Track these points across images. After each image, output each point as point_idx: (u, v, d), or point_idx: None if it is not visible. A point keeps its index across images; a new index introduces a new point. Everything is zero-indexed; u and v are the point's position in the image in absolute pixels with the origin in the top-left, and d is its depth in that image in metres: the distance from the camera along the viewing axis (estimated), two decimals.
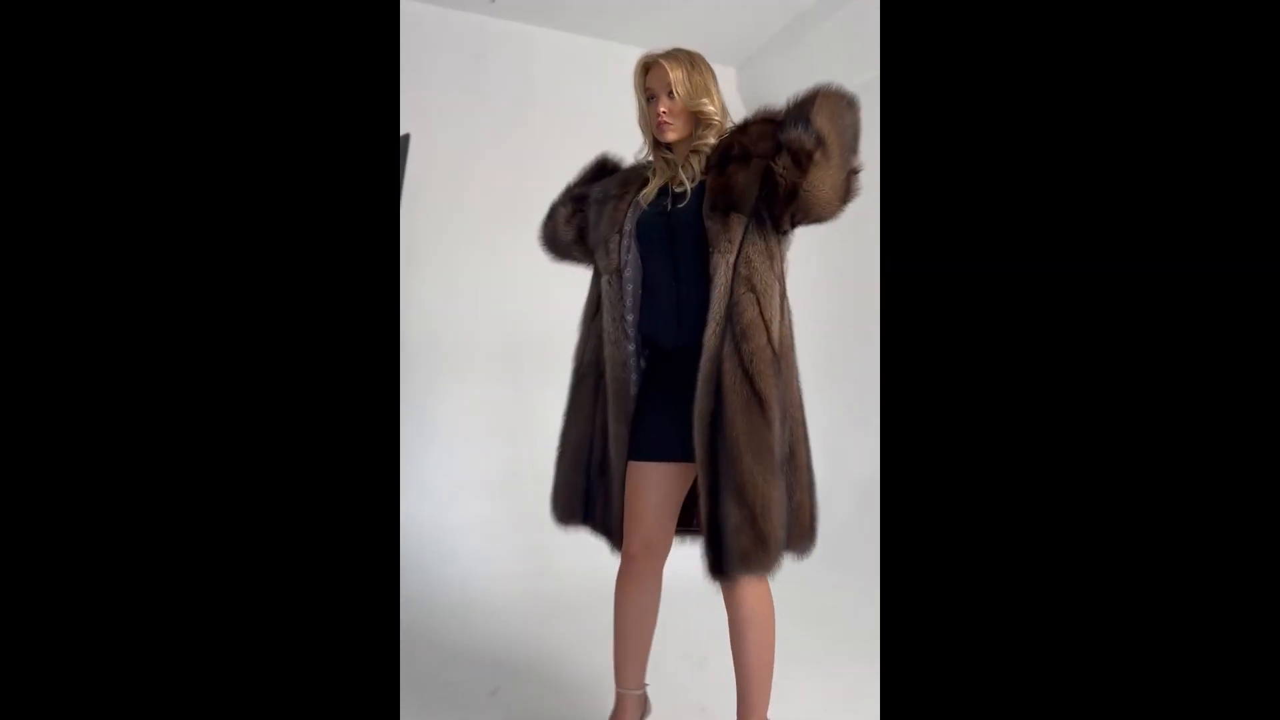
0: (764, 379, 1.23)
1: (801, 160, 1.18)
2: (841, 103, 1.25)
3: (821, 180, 1.19)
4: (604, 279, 1.37)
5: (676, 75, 1.32)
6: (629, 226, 1.35)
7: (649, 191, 1.37)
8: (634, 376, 1.35)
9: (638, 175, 1.43)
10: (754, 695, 1.32)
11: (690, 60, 1.35)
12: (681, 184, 1.33)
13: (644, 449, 1.34)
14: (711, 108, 1.34)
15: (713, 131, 1.34)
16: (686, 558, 1.37)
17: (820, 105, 1.21)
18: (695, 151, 1.34)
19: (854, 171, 1.26)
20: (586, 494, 1.40)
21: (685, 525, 1.42)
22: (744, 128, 1.30)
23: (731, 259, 1.25)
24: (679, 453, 1.30)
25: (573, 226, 1.47)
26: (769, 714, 1.35)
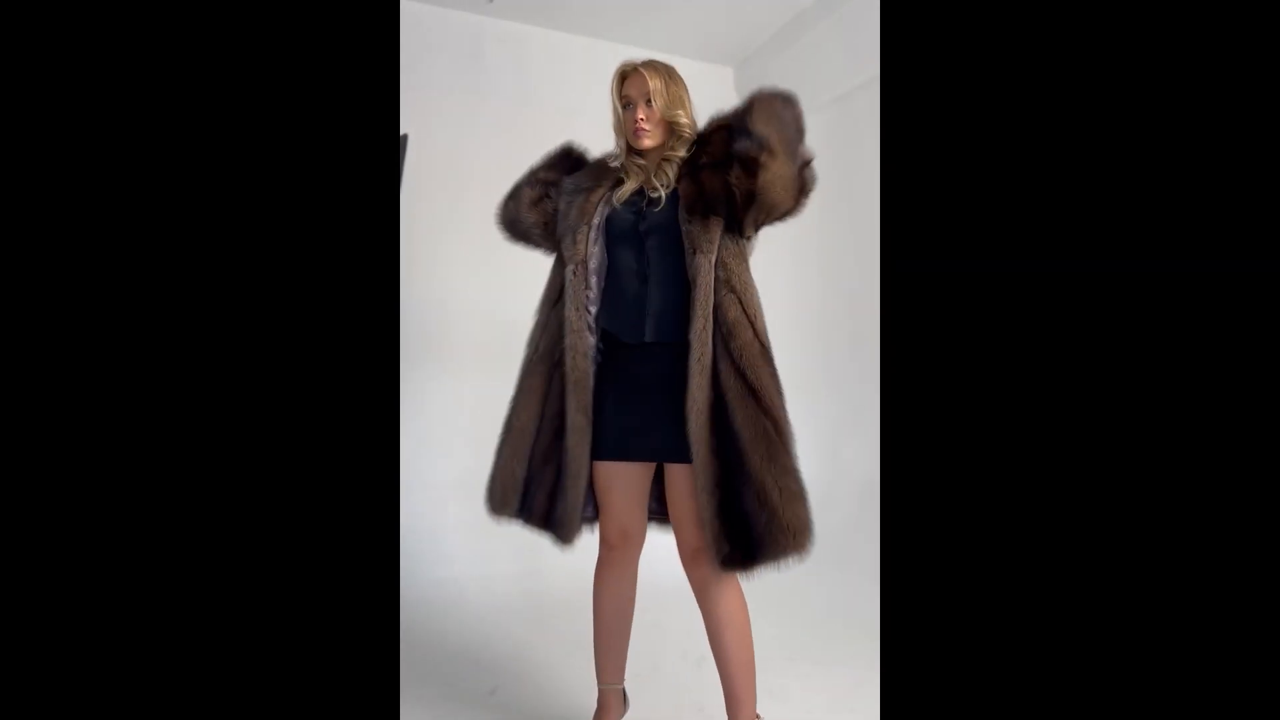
0: (755, 371, 1.28)
1: (751, 167, 1.24)
2: (777, 103, 1.29)
3: (772, 181, 1.24)
4: (568, 268, 1.39)
5: (655, 85, 1.37)
6: (598, 220, 1.39)
7: (624, 193, 1.40)
8: (592, 368, 1.37)
9: (610, 172, 1.45)
10: (742, 691, 1.35)
11: (667, 72, 1.40)
12: (656, 189, 1.37)
13: (615, 449, 1.37)
14: (685, 120, 1.39)
15: (683, 144, 1.39)
16: None
17: (758, 111, 1.26)
18: (666, 160, 1.39)
19: (805, 164, 1.31)
20: (525, 484, 1.38)
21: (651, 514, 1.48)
22: (707, 138, 1.36)
23: (712, 259, 1.30)
24: (647, 453, 1.36)
25: (538, 211, 1.47)
26: (757, 709, 1.39)
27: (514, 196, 1.51)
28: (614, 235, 1.39)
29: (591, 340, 1.37)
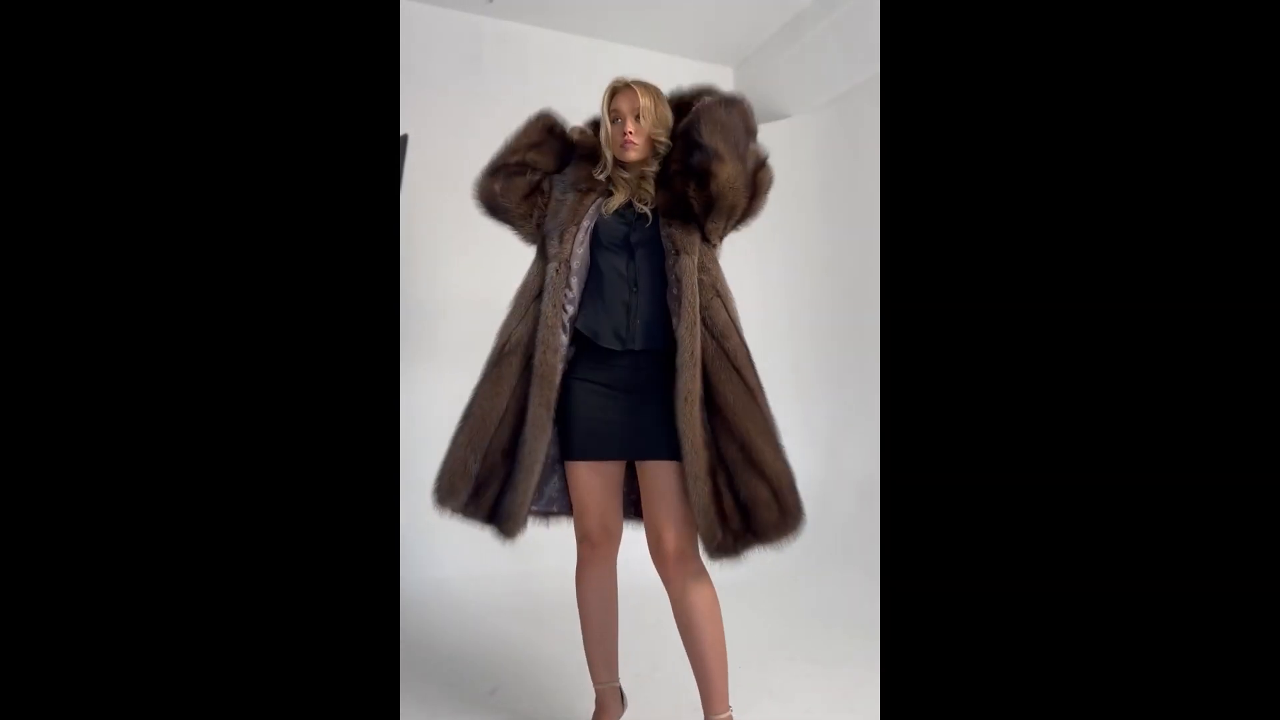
0: (748, 372, 1.34)
1: (703, 179, 1.31)
2: (719, 109, 1.34)
3: (724, 186, 1.30)
4: (550, 265, 1.40)
5: (645, 103, 1.42)
6: (587, 223, 1.42)
7: (613, 204, 1.43)
8: (561, 366, 1.38)
9: (600, 183, 1.46)
10: (720, 684, 1.36)
11: (656, 93, 1.45)
12: (644, 204, 1.41)
13: (595, 448, 1.38)
14: (665, 140, 1.44)
15: (659, 160, 1.45)
16: None
17: (703, 122, 1.32)
18: (644, 178, 1.44)
19: (760, 165, 1.37)
20: (477, 479, 1.37)
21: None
22: (671, 152, 1.42)
23: (695, 260, 1.35)
24: (629, 451, 1.37)
25: (529, 204, 1.46)
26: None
27: (500, 177, 1.47)
28: (602, 242, 1.41)
29: (564, 339, 1.38)
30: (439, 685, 1.83)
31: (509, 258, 1.69)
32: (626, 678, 1.59)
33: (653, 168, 1.44)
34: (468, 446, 1.38)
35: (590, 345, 1.40)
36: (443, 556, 2.64)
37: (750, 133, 1.35)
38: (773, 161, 1.42)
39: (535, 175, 1.48)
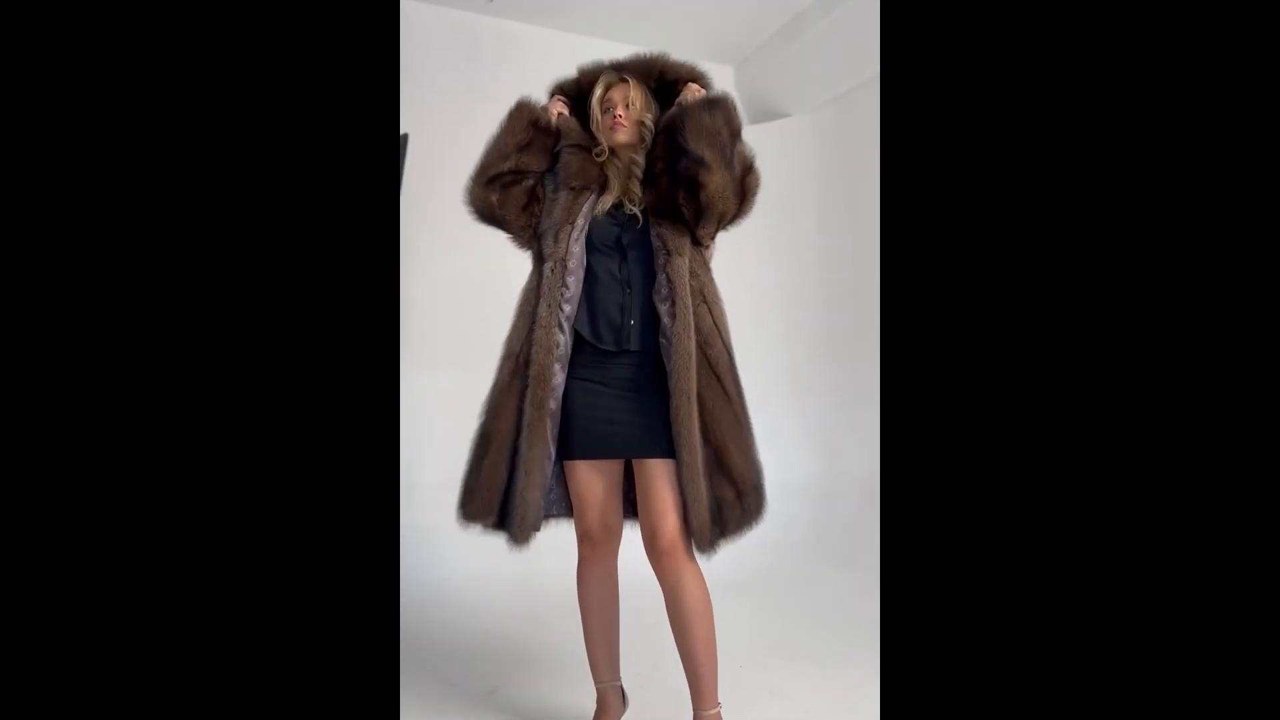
0: (728, 378, 1.37)
1: (692, 187, 1.33)
2: (703, 113, 1.35)
3: (715, 195, 1.32)
4: (546, 264, 1.41)
5: (635, 94, 1.47)
6: (582, 222, 1.42)
7: (605, 204, 1.44)
8: (558, 367, 1.38)
9: (594, 174, 1.46)
10: (708, 680, 1.37)
11: (644, 86, 1.50)
12: (633, 205, 1.43)
13: (594, 448, 1.39)
14: (649, 127, 1.47)
15: (643, 151, 1.47)
16: None
17: (689, 127, 1.34)
18: (631, 176, 1.45)
19: (747, 169, 1.38)
20: (505, 492, 1.37)
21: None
22: (654, 146, 1.45)
23: (686, 262, 1.38)
24: (629, 450, 1.39)
25: (528, 214, 1.46)
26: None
27: (495, 188, 1.44)
28: (595, 245, 1.42)
29: (561, 338, 1.38)
30: (439, 685, 1.83)
31: (509, 258, 1.69)
32: (627, 677, 1.59)
33: (640, 159, 1.45)
34: (494, 466, 1.37)
35: (588, 345, 1.41)
36: (443, 556, 2.64)
37: (735, 134, 1.36)
38: (772, 161, 1.43)
39: (530, 180, 1.47)
